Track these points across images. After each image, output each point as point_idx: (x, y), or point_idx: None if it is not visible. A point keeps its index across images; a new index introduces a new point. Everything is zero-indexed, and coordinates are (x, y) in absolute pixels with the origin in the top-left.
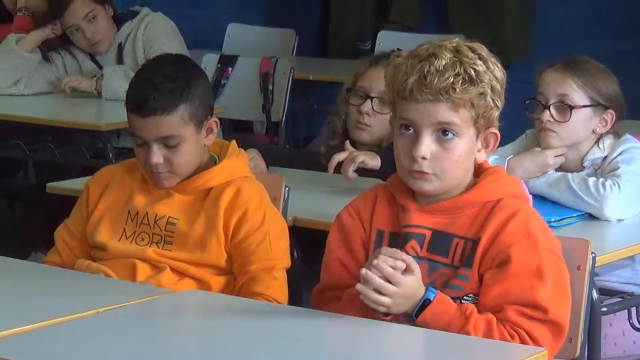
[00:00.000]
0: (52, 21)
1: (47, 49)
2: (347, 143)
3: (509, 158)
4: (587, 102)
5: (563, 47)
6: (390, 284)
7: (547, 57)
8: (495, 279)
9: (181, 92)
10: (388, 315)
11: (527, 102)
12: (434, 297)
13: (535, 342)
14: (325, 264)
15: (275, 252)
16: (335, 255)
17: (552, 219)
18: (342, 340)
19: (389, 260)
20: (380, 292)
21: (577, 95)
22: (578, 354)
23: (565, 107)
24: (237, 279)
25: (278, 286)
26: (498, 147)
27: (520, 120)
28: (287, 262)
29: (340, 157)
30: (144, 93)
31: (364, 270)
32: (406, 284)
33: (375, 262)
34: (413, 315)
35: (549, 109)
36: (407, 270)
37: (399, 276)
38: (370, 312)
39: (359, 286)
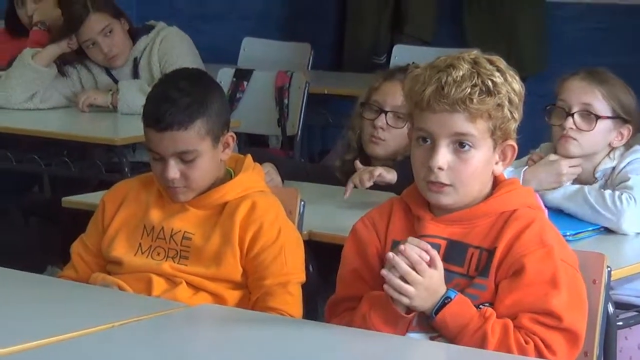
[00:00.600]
0: (68, 35)
1: (62, 63)
2: (357, 162)
3: (524, 170)
4: (610, 114)
5: (575, 60)
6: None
7: (559, 71)
8: (510, 287)
9: (198, 107)
10: (409, 313)
11: (547, 107)
12: (455, 296)
13: (550, 349)
14: (341, 276)
15: (290, 267)
16: (351, 266)
17: (568, 233)
18: (358, 354)
19: (415, 249)
20: (405, 281)
21: (602, 105)
22: None
23: (591, 116)
24: (251, 293)
25: (293, 301)
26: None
27: (534, 133)
28: (302, 277)
29: (356, 180)
30: (161, 108)
31: (390, 254)
32: (431, 275)
33: (402, 247)
34: (433, 313)
35: (572, 116)
36: (431, 265)
37: (424, 265)
38: (389, 316)
39: (384, 272)
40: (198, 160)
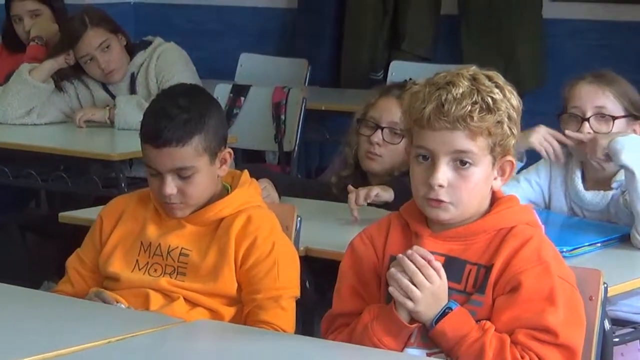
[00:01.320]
0: (65, 51)
1: (60, 78)
2: (350, 187)
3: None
4: (623, 113)
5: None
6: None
7: (557, 88)
8: (506, 304)
9: (196, 123)
10: (412, 323)
11: (560, 115)
12: (456, 307)
13: None
14: (337, 291)
15: (283, 282)
16: (348, 282)
17: (565, 249)
18: None
19: (422, 254)
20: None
21: (614, 106)
22: None
23: (607, 118)
24: (244, 306)
25: (285, 316)
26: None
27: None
28: (296, 292)
29: (351, 198)
30: (159, 124)
31: (400, 255)
32: (436, 282)
33: (409, 252)
34: (433, 323)
35: (588, 121)
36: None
37: (432, 271)
38: (392, 326)
39: (392, 271)
40: (195, 176)
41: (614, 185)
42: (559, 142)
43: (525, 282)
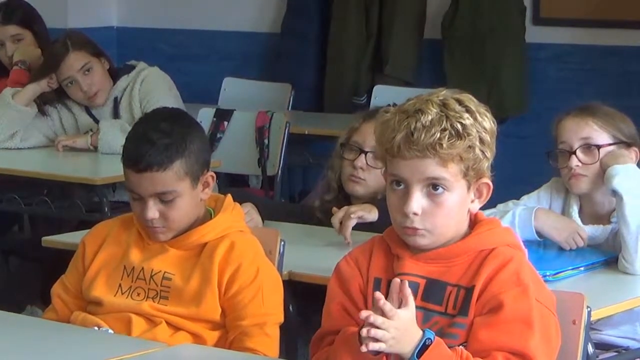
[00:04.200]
0: (48, 74)
1: (43, 102)
2: (335, 209)
3: (537, 207)
4: (611, 141)
5: (558, 102)
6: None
7: (541, 112)
8: (485, 323)
9: (177, 147)
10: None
11: (549, 152)
12: (433, 337)
13: None
14: (327, 310)
15: (268, 308)
16: (337, 300)
17: (548, 273)
18: None
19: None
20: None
21: (599, 135)
22: None
23: (592, 148)
24: (228, 333)
25: (269, 342)
26: (524, 195)
27: (516, 174)
28: (280, 318)
29: (340, 216)
30: (140, 149)
31: (363, 313)
32: (399, 316)
33: (376, 293)
34: (415, 356)
35: (575, 154)
36: (403, 304)
37: (394, 311)
38: (357, 357)
39: (363, 331)
40: (177, 200)
41: (613, 219)
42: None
43: (505, 303)
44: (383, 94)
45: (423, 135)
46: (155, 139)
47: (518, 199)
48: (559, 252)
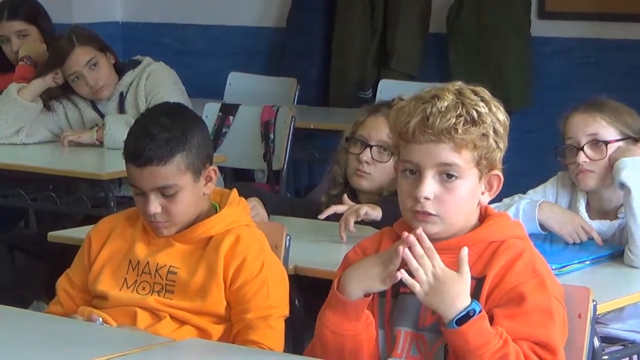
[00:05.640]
0: (54, 70)
1: (48, 98)
2: (345, 196)
3: (542, 201)
4: (618, 137)
5: (562, 95)
6: None
7: (546, 106)
8: (506, 314)
9: (177, 142)
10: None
11: (557, 148)
12: (480, 310)
13: None
14: None
15: (272, 301)
16: None
17: (553, 267)
18: None
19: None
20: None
21: (608, 131)
22: None
23: (600, 144)
24: (233, 325)
25: (274, 335)
26: (529, 190)
27: (520, 168)
28: (285, 311)
29: (339, 208)
30: (141, 143)
31: (405, 234)
32: (442, 267)
33: (418, 231)
34: (454, 323)
35: (582, 150)
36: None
37: (435, 254)
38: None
39: (400, 248)
40: (179, 194)
41: (620, 215)
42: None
43: (527, 295)
44: (388, 88)
45: (438, 120)
46: (155, 133)
47: (524, 193)
48: (565, 246)
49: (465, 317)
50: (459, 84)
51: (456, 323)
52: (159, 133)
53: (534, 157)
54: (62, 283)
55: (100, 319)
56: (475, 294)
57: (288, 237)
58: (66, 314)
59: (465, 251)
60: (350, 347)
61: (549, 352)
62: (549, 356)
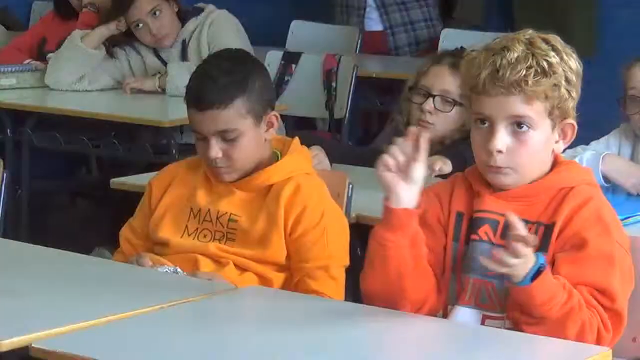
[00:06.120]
0: (117, 17)
1: (111, 45)
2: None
3: (605, 153)
4: None
5: (627, 46)
6: None
7: (612, 56)
8: (568, 259)
9: (238, 85)
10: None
11: (619, 99)
12: (546, 263)
13: (606, 327)
14: None
15: (332, 250)
16: None
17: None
18: (405, 338)
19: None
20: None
21: None
22: None
23: None
24: (293, 275)
25: (334, 285)
26: (592, 141)
27: (584, 118)
28: (345, 261)
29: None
30: (202, 87)
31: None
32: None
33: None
34: (529, 279)
35: None
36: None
37: (531, 237)
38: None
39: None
40: (240, 139)
41: None
42: None
43: (588, 240)
44: (451, 38)
45: (508, 72)
46: (217, 78)
47: (587, 144)
48: (627, 197)
49: (537, 273)
50: (529, 32)
51: (531, 279)
52: (220, 77)
53: (598, 107)
54: (124, 232)
55: (177, 268)
56: (544, 241)
57: (350, 186)
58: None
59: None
60: (394, 261)
61: (608, 298)
62: (607, 302)
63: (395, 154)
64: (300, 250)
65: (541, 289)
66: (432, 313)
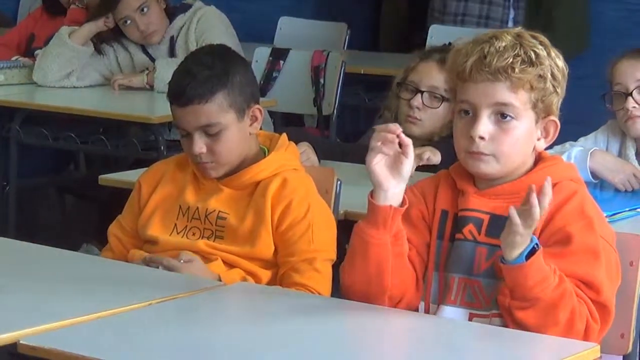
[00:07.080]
0: (105, 13)
1: (99, 41)
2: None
3: (593, 149)
4: None
5: (616, 42)
6: None
7: (601, 53)
8: (553, 254)
9: (218, 80)
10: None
11: (604, 94)
12: (538, 243)
13: (594, 317)
14: None
15: (317, 244)
16: None
17: (605, 214)
18: (398, 332)
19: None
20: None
21: None
22: (630, 350)
23: None
24: (279, 269)
25: (319, 278)
26: (581, 137)
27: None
28: (331, 255)
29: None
30: (182, 82)
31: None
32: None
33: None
34: (524, 257)
35: (631, 95)
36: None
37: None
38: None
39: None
40: (223, 133)
41: None
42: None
43: (574, 235)
44: (439, 34)
45: (496, 59)
46: (196, 72)
47: (575, 140)
48: (615, 194)
49: (531, 252)
50: (519, 28)
51: (526, 257)
52: (200, 71)
53: (586, 104)
54: (113, 229)
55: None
56: None
57: (338, 182)
58: (117, 259)
59: (533, 187)
60: (375, 257)
61: (593, 290)
62: (593, 294)
63: (393, 129)
64: (286, 244)
65: (535, 268)
66: (410, 309)
